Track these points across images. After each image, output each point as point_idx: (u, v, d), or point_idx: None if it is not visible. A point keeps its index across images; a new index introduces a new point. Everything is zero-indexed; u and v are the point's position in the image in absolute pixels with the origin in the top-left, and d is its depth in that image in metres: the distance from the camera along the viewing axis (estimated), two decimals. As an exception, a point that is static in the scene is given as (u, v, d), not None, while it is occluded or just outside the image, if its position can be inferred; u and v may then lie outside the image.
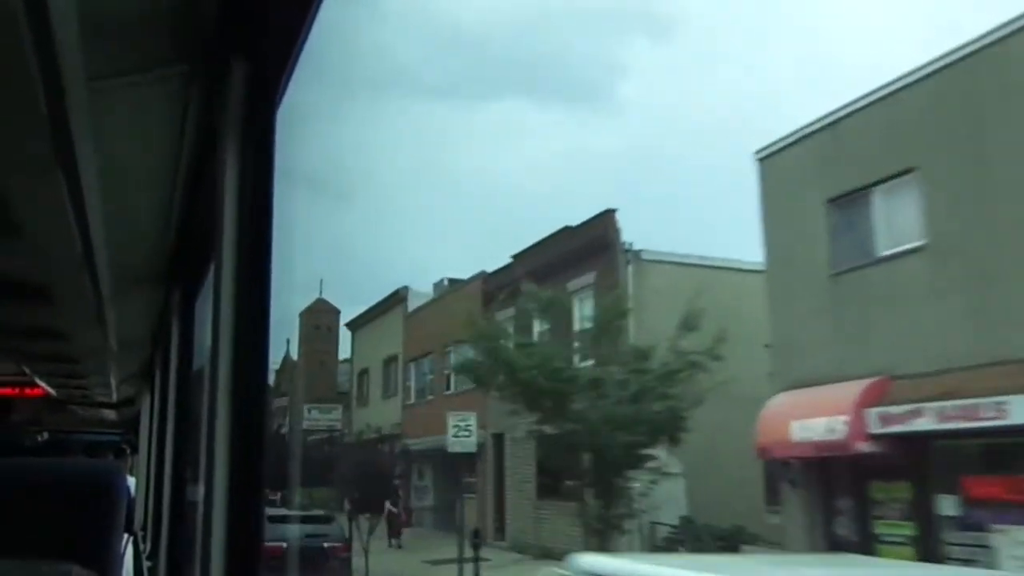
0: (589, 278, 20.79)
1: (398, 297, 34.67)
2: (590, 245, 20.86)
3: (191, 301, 2.77)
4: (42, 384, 6.10)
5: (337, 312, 65.49)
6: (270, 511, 14.41)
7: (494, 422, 23.16)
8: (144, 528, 4.63)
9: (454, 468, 22.49)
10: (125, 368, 5.61)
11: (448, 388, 28.14)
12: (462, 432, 18.50)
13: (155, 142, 1.74)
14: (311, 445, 35.57)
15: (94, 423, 10.16)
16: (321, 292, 65.39)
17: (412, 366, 32.44)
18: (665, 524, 17.39)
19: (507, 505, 23.82)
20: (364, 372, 38.51)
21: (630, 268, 20.08)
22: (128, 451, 7.81)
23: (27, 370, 5.25)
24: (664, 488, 16.47)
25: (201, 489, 1.40)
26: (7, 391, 6.46)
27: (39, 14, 0.99)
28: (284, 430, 44.50)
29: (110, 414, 9.30)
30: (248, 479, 1.21)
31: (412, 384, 32.24)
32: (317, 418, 38.38)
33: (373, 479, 26.38)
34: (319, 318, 64.42)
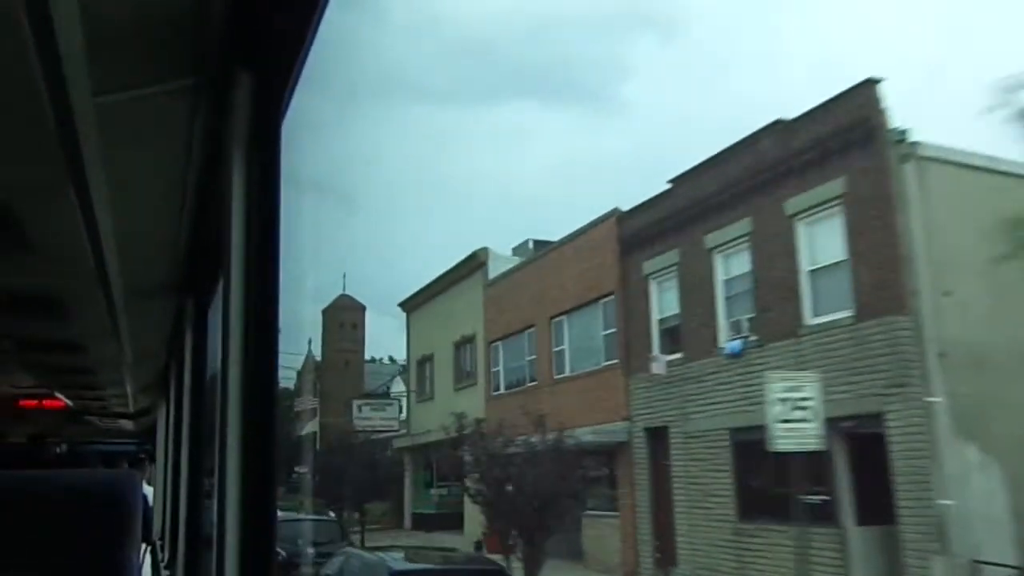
0: (833, 187, 13.42)
1: (475, 262, 26.21)
2: (833, 138, 13.31)
3: (204, 312, 2.79)
4: (60, 396, 6.15)
5: (362, 308, 61.99)
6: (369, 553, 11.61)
7: (648, 410, 17.55)
8: (162, 537, 4.66)
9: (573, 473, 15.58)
10: (141, 379, 5.66)
11: (562, 370, 21.15)
12: (797, 414, 11.47)
13: (163, 155, 1.75)
14: (364, 450, 27.61)
15: (112, 433, 10.24)
16: (345, 288, 62.12)
17: (499, 347, 24.56)
18: (996, 564, 10.50)
19: (676, 527, 16.46)
20: (425, 360, 30.55)
21: (908, 168, 12.63)
22: (146, 461, 7.86)
23: (45, 382, 5.30)
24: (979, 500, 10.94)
25: (215, 496, 1.41)
26: (26, 403, 6.53)
27: (43, 30, 1.00)
28: (314, 437, 42.43)
29: (127, 424, 9.37)
30: (260, 486, 1.21)
31: (500, 369, 24.60)
32: (368, 417, 30.35)
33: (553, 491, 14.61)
34: (343, 315, 60.76)
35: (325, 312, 61.79)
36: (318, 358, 59.37)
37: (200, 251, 2.34)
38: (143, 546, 2.98)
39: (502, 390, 24.43)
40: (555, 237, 23.12)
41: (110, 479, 1.33)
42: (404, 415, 32.28)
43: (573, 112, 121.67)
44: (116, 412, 8.20)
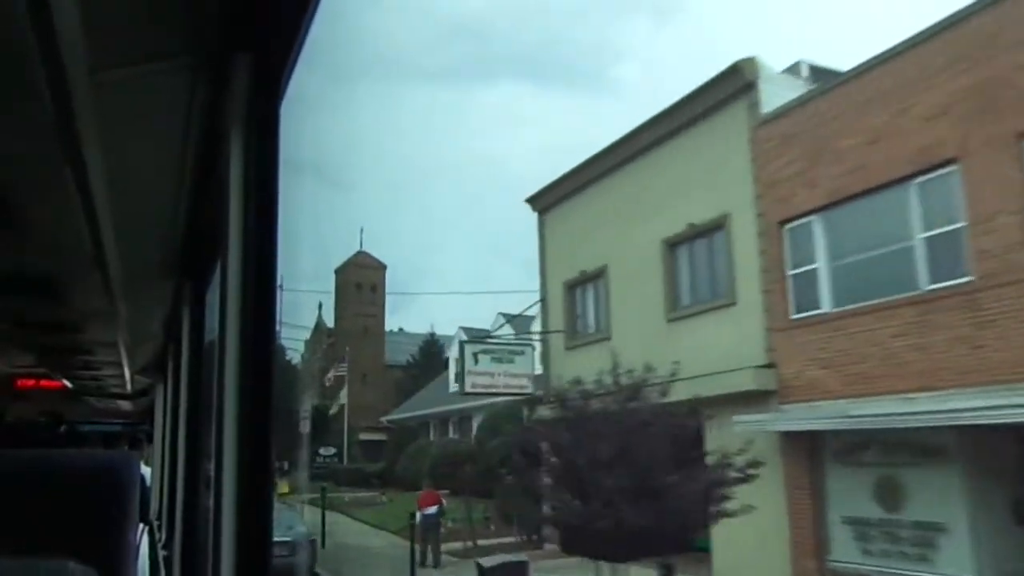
0: None
1: (731, 85, 14.44)
2: None
3: (202, 294, 2.79)
4: (58, 376, 6.16)
5: (383, 267, 52.57)
6: None
7: None
8: (160, 517, 4.68)
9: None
10: (139, 360, 5.66)
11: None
12: None
13: (161, 135, 1.74)
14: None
15: (110, 414, 10.26)
16: (362, 244, 53.48)
17: (810, 227, 12.97)
18: None
19: None
20: (585, 282, 18.71)
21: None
22: (144, 441, 7.88)
23: (43, 363, 5.30)
24: None
25: (212, 477, 1.42)
26: (25, 383, 6.53)
27: (39, 5, 0.99)
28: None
29: (126, 405, 9.38)
30: (256, 468, 1.22)
31: (820, 267, 12.84)
32: (486, 371, 18.48)
33: None
34: (360, 275, 51.88)
35: (339, 272, 52.91)
36: (330, 325, 51.95)
37: (198, 233, 2.34)
38: (141, 526, 2.99)
39: (824, 308, 12.62)
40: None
41: (109, 460, 1.34)
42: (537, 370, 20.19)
43: (567, 94, 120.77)
44: (114, 393, 8.21)
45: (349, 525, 24.32)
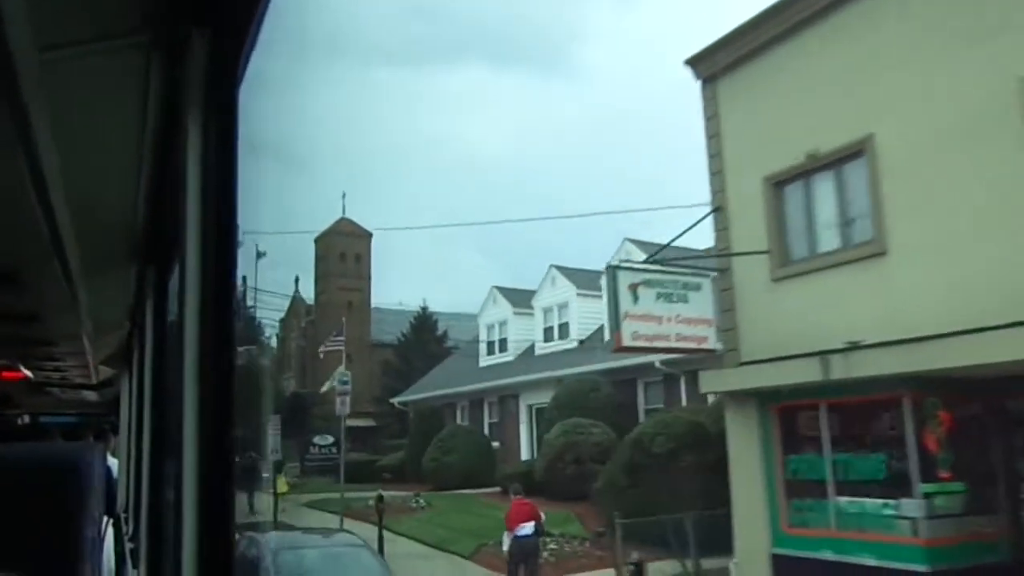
0: None
1: None
2: None
3: (165, 280, 2.73)
4: (19, 367, 6.03)
5: (368, 236, 46.45)
6: None
7: None
8: (127, 510, 4.61)
9: None
10: (103, 350, 5.56)
11: None
12: None
13: (117, 117, 1.69)
14: None
15: (75, 405, 10.08)
16: (344, 210, 46.84)
17: None
18: None
19: None
20: (808, 171, 11.21)
21: None
22: (110, 433, 7.76)
23: (3, 353, 5.18)
24: None
25: (173, 466, 1.39)
26: None
27: None
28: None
29: (91, 396, 9.23)
30: (217, 455, 1.20)
31: None
32: (651, 315, 11.63)
33: None
34: (343, 243, 46.24)
35: (319, 241, 46.55)
36: (310, 300, 46.98)
37: (159, 218, 2.28)
38: (105, 519, 2.94)
39: None
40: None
41: (64, 453, 1.30)
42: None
43: (526, 76, 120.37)
44: (79, 384, 8.06)
45: (395, 543, 16.15)
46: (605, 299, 13.70)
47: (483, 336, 30.44)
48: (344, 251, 47.01)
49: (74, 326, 3.89)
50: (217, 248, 1.28)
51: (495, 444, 25.90)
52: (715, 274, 12.68)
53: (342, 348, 36.17)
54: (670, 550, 12.58)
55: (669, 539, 12.50)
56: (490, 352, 29.83)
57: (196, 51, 1.30)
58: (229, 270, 1.29)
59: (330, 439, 25.47)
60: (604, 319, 20.51)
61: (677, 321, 11.94)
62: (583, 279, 25.86)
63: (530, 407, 25.29)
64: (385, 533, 15.74)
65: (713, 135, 12.91)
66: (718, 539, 11.98)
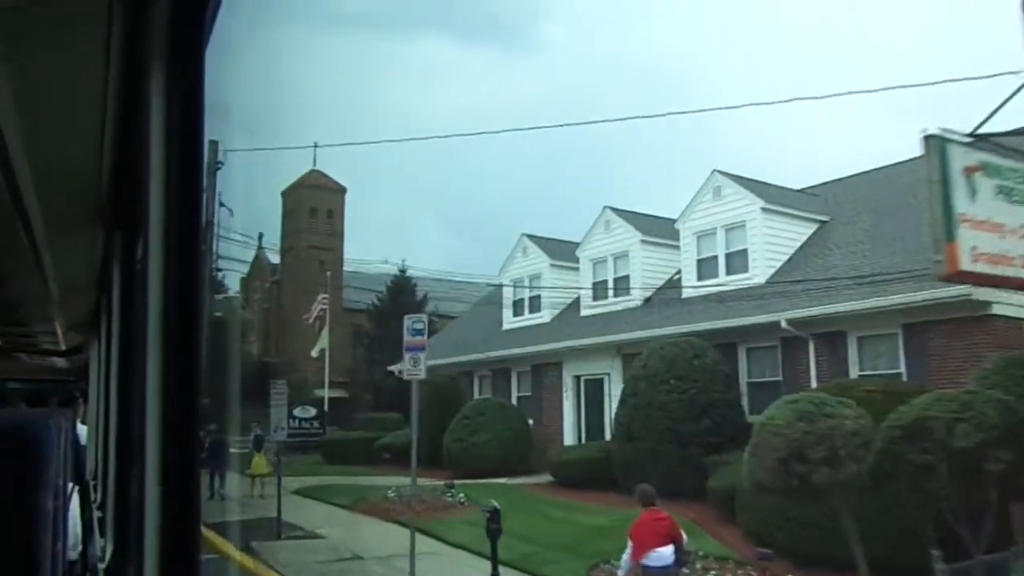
0: None
1: None
2: None
3: (132, 245, 2.67)
4: (-16, 332, 5.91)
5: (341, 190, 43.21)
6: None
7: None
8: (95, 477, 4.57)
9: None
10: (71, 315, 5.46)
11: None
12: None
13: (77, 76, 1.63)
14: None
15: (45, 371, 9.93)
16: (315, 162, 41.72)
17: None
18: None
19: None
20: None
21: None
22: (79, 399, 7.66)
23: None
24: None
25: (137, 431, 1.37)
26: None
27: None
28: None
29: (60, 362, 9.09)
30: (181, 423, 1.17)
31: None
32: (996, 221, 7.52)
33: None
34: (314, 197, 42.60)
35: (287, 195, 42.92)
36: (276, 260, 43.18)
37: (125, 182, 2.22)
38: (70, 487, 2.90)
39: None
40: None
41: (16, 421, 1.26)
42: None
43: (489, 50, 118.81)
44: (47, 350, 7.93)
45: (454, 559, 11.32)
46: (929, 190, 7.66)
47: (508, 294, 24.47)
48: (315, 206, 43.23)
49: (40, 291, 3.81)
50: (181, 215, 1.24)
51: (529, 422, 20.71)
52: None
53: (327, 307, 32.33)
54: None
55: None
56: (517, 312, 24.10)
57: (160, 3, 1.25)
58: (193, 237, 1.26)
59: (312, 411, 22.61)
60: (682, 267, 18.66)
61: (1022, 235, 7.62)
62: (647, 224, 20.89)
63: (577, 379, 20.27)
64: (436, 544, 11.83)
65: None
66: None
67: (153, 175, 1.26)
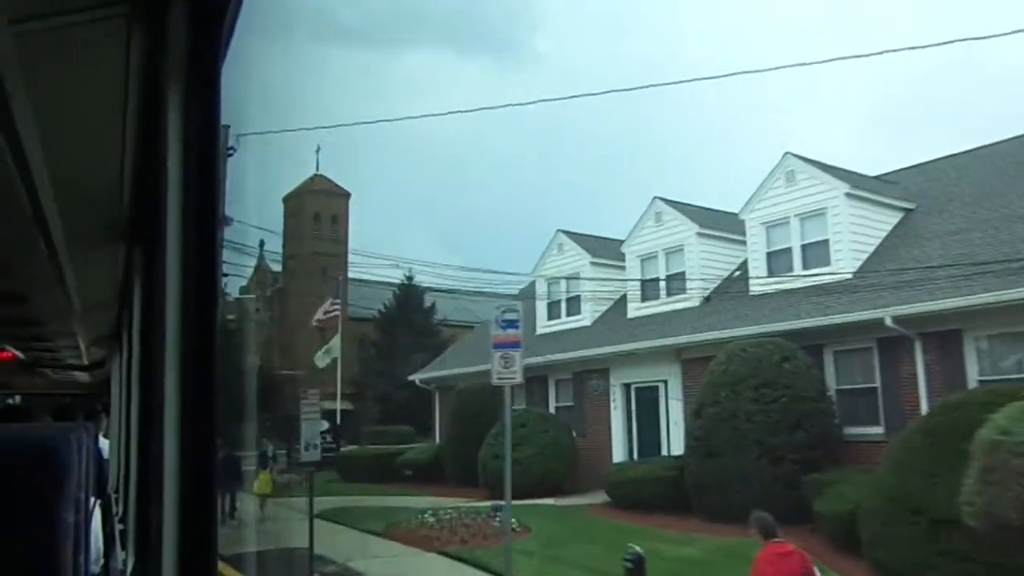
0: None
1: None
2: None
3: (152, 260, 2.70)
4: (9, 348, 6.00)
5: (345, 195, 42.45)
6: None
7: None
8: (118, 490, 4.61)
9: None
10: (94, 330, 5.53)
11: None
12: None
13: (97, 93, 1.66)
14: None
15: (68, 386, 10.05)
16: (319, 166, 41.36)
17: None
18: None
19: None
20: None
21: None
22: (102, 413, 7.75)
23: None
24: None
25: (157, 445, 1.38)
26: None
27: None
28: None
29: (83, 376, 9.20)
30: (198, 436, 1.18)
31: None
32: None
33: None
34: (317, 202, 41.78)
35: (289, 200, 41.54)
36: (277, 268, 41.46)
37: (144, 198, 2.25)
38: (92, 501, 2.93)
39: None
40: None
41: (40, 435, 1.28)
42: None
43: (485, 61, 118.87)
44: (70, 364, 8.03)
45: None
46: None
47: (542, 293, 22.17)
48: (318, 211, 41.66)
49: (63, 306, 3.86)
50: (198, 229, 1.26)
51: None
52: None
53: (337, 314, 29.65)
54: None
55: None
56: (552, 315, 21.84)
57: (177, 20, 1.27)
58: (211, 251, 1.27)
59: (325, 424, 20.77)
60: (745, 263, 16.56)
61: None
62: (704, 217, 18.82)
63: (626, 387, 18.31)
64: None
65: None
66: None
67: (170, 190, 1.27)
